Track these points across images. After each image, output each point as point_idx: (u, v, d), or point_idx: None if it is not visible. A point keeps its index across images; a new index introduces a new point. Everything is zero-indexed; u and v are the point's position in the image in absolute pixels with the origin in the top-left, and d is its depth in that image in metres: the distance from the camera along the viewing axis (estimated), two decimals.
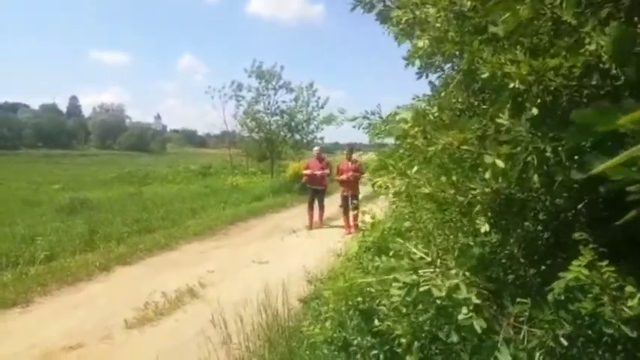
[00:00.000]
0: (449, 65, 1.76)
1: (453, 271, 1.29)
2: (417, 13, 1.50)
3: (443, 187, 1.45)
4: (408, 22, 1.55)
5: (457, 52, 1.49)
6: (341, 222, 9.26)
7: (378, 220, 2.05)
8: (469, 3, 1.41)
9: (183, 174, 26.27)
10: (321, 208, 9.62)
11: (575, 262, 1.10)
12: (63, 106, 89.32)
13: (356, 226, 8.24)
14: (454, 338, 1.43)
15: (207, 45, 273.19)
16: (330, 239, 7.64)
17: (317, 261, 5.94)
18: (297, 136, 19.08)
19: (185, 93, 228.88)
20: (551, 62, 1.12)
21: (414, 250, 1.38)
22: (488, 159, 1.22)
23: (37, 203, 12.76)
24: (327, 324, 2.39)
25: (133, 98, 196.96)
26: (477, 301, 1.20)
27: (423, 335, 1.76)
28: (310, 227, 9.29)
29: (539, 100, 1.21)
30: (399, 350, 1.83)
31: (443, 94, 1.72)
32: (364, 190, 8.02)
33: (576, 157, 1.17)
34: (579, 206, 1.46)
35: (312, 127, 19.05)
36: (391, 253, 1.52)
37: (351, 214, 8.56)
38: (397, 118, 1.46)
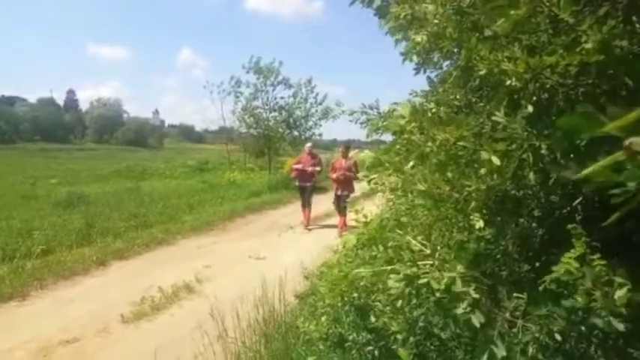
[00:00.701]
0: (447, 62, 1.77)
1: (450, 265, 1.30)
2: (416, 8, 1.50)
3: (438, 184, 1.46)
4: (406, 17, 1.55)
5: (455, 49, 1.49)
6: (334, 220, 9.13)
7: (371, 218, 2.05)
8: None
9: (181, 169, 26.18)
10: (309, 205, 9.23)
11: (566, 255, 1.12)
12: (60, 100, 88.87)
13: (346, 226, 8.18)
14: (449, 334, 1.44)
15: (207, 40, 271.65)
16: (328, 236, 7.67)
17: (314, 257, 5.95)
18: (296, 133, 19.06)
19: (184, 88, 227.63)
20: (547, 60, 1.13)
21: (414, 242, 1.39)
22: (484, 155, 1.23)
23: (34, 197, 12.71)
24: (323, 319, 2.40)
25: (130, 93, 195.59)
26: (476, 296, 1.21)
27: (419, 331, 1.77)
28: (306, 224, 9.16)
29: (535, 98, 1.22)
30: (395, 346, 1.85)
31: (441, 90, 1.73)
32: (360, 187, 7.94)
33: (572, 156, 1.18)
34: (574, 204, 1.47)
35: (310, 123, 19.06)
36: (390, 244, 1.53)
37: (341, 215, 8.44)
38: (394, 113, 1.47)
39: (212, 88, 18.86)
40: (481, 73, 1.24)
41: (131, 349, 3.83)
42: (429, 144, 1.35)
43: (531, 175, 1.28)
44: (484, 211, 1.48)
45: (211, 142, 65.04)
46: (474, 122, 1.39)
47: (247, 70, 18.28)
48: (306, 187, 9.17)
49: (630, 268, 1.13)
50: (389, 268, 1.35)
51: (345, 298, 2.29)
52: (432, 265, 1.28)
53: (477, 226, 1.44)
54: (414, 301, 1.63)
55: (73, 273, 5.76)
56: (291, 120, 18.89)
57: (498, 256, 1.64)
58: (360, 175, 7.99)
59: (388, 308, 1.89)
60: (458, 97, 1.71)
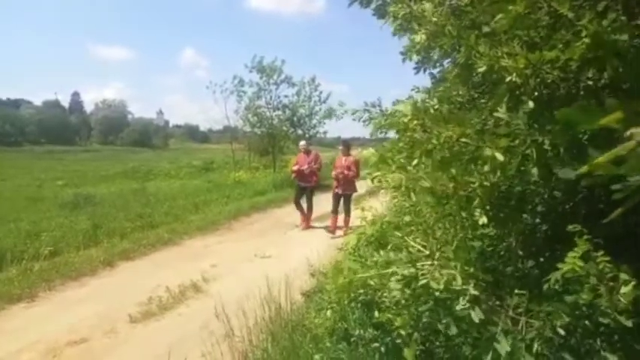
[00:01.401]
0: (448, 60, 1.76)
1: (452, 264, 1.30)
2: (414, 7, 1.50)
3: (442, 181, 1.46)
4: (404, 16, 1.55)
5: (455, 46, 1.49)
6: (340, 219, 8.56)
7: (374, 218, 2.05)
8: None
9: (186, 169, 26.28)
10: (310, 208, 8.77)
11: (570, 254, 1.11)
12: (65, 102, 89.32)
13: (347, 226, 8.07)
14: (453, 330, 1.44)
15: (210, 39, 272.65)
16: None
17: (319, 255, 5.95)
18: (300, 131, 19.04)
19: (187, 88, 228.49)
20: (547, 55, 1.12)
21: (413, 243, 1.39)
22: (487, 152, 1.23)
23: (41, 199, 12.80)
24: (329, 313, 2.41)
25: (134, 93, 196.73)
26: (475, 292, 1.21)
27: (423, 327, 1.77)
28: (304, 226, 8.80)
29: (536, 94, 1.21)
30: (400, 342, 1.85)
31: (442, 87, 1.72)
32: (364, 186, 7.79)
33: (574, 151, 1.17)
34: (577, 199, 1.47)
35: (314, 121, 19.06)
36: (390, 247, 1.53)
37: (341, 216, 8.25)
38: (396, 111, 1.47)
39: (215, 88, 18.87)
40: (481, 69, 1.24)
41: (139, 349, 3.85)
42: (433, 141, 1.35)
43: (535, 171, 1.27)
44: (488, 208, 1.48)
45: (216, 141, 65.13)
46: (477, 119, 1.39)
47: (250, 70, 18.30)
48: (305, 188, 8.77)
49: (636, 263, 1.13)
50: (389, 270, 1.35)
51: (351, 295, 2.29)
52: (431, 265, 1.29)
53: (481, 223, 1.44)
54: (421, 298, 1.63)
55: (80, 274, 5.80)
56: (295, 118, 18.89)
57: (502, 252, 1.64)
58: (361, 173, 7.97)
59: (393, 305, 1.90)
60: (460, 93, 1.71)
